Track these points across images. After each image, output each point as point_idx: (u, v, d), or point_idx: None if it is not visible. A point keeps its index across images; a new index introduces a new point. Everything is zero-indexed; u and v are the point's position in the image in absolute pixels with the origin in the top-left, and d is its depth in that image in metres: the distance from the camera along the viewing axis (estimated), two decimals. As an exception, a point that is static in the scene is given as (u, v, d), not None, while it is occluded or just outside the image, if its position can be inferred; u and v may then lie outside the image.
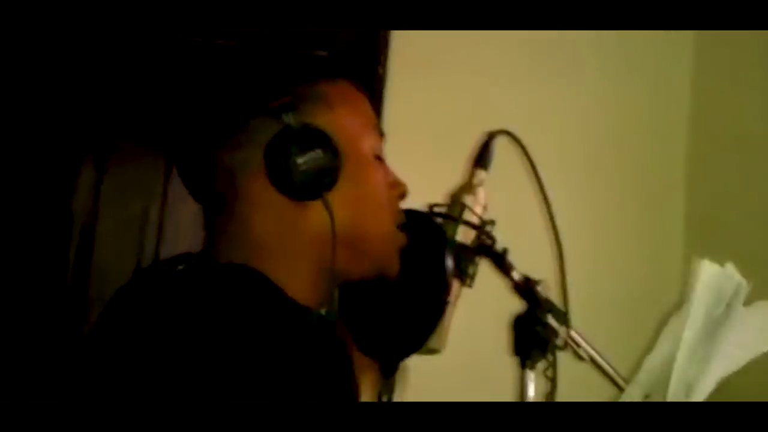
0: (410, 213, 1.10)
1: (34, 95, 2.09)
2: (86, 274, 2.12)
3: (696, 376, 1.03)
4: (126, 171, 2.16)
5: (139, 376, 0.83)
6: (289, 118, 0.94)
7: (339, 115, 1.00)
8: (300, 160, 0.93)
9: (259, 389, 0.82)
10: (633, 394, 1.07)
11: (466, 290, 1.14)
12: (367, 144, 1.03)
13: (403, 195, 1.07)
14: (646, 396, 1.07)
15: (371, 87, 1.95)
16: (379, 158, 1.05)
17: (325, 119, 0.98)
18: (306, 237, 0.97)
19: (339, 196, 0.97)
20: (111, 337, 0.90)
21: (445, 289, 1.07)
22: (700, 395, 1.02)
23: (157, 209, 2.15)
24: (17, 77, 2.06)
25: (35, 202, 2.10)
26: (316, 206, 0.95)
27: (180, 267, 0.95)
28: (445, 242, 1.09)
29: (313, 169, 0.94)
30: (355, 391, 1.00)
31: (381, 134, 1.07)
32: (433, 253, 1.08)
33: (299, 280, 0.96)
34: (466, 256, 1.13)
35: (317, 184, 0.95)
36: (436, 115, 2.04)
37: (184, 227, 2.13)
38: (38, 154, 2.11)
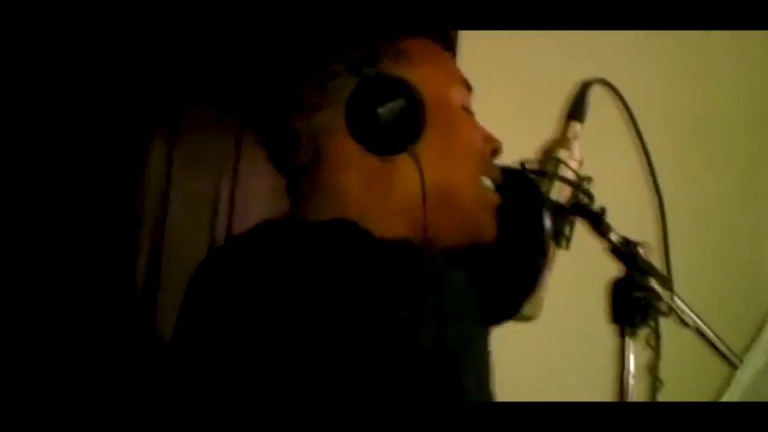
0: (501, 170, 1.03)
1: (105, 67, 2.08)
2: (158, 250, 2.10)
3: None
4: (196, 146, 2.13)
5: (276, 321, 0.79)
6: (368, 70, 0.91)
7: (422, 72, 0.95)
8: (381, 111, 0.89)
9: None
10: (756, 361, 1.00)
11: (561, 253, 1.08)
12: (455, 96, 0.98)
13: (496, 151, 1.01)
14: None
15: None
16: (468, 111, 0.99)
17: (407, 73, 0.94)
18: (396, 196, 0.93)
19: (427, 149, 0.91)
20: (228, 292, 0.86)
21: (543, 252, 1.00)
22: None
23: (228, 186, 2.13)
24: (90, 48, 2.05)
25: (106, 177, 2.10)
26: (404, 161, 0.91)
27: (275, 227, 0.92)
28: (542, 200, 1.02)
29: (395, 120, 0.89)
30: None
31: (468, 88, 1.01)
32: (530, 213, 1.01)
33: None
34: (562, 216, 1.06)
35: (402, 136, 0.90)
36: (524, 64, 1.95)
37: (255, 204, 2.10)
38: (110, 130, 2.10)
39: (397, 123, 0.89)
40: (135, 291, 2.07)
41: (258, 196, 2.09)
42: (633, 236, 1.10)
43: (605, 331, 1.11)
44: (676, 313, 1.09)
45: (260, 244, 0.89)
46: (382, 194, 0.92)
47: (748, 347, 1.10)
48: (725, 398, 1.04)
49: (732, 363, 1.08)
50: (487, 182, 0.98)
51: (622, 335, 1.09)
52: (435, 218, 0.92)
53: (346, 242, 0.84)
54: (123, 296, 2.06)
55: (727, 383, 1.08)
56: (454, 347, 0.76)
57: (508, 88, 1.86)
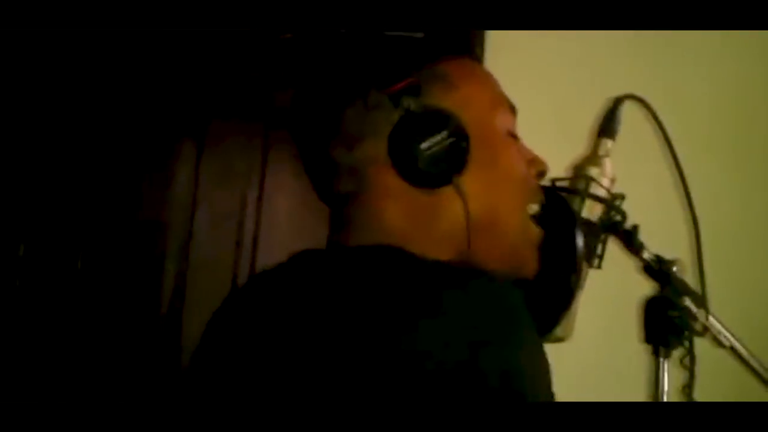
0: None
1: (136, 82, 2.10)
2: (184, 265, 2.11)
3: None
4: (223, 163, 2.15)
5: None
6: (410, 103, 0.89)
7: (465, 94, 0.94)
8: (424, 146, 0.88)
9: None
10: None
11: (593, 272, 1.06)
12: (499, 121, 0.96)
13: (542, 173, 0.99)
14: None
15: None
16: (513, 135, 0.98)
17: (450, 100, 0.92)
18: (440, 226, 0.91)
19: (471, 180, 0.90)
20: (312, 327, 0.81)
21: (575, 272, 0.98)
22: None
23: (254, 200, 2.14)
24: (121, 63, 2.07)
25: (134, 191, 2.12)
26: (448, 192, 0.90)
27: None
28: (575, 219, 1.00)
29: (439, 153, 0.88)
30: None
31: (513, 110, 1.00)
32: (562, 232, 0.99)
33: None
34: (594, 234, 1.05)
35: (446, 169, 0.89)
36: (554, 81, 1.94)
37: (281, 219, 2.11)
38: (138, 145, 2.12)
39: (441, 157, 0.88)
40: (161, 305, 2.08)
41: (283, 211, 2.10)
42: (666, 254, 1.08)
43: (639, 351, 1.10)
44: (711, 332, 1.07)
45: (305, 273, 0.87)
46: (426, 224, 0.91)
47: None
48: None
49: (769, 384, 1.06)
50: (533, 209, 0.96)
51: (656, 355, 1.07)
52: (479, 247, 0.91)
53: (398, 267, 0.83)
54: (149, 310, 2.07)
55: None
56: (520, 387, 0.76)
57: (538, 105, 1.84)
